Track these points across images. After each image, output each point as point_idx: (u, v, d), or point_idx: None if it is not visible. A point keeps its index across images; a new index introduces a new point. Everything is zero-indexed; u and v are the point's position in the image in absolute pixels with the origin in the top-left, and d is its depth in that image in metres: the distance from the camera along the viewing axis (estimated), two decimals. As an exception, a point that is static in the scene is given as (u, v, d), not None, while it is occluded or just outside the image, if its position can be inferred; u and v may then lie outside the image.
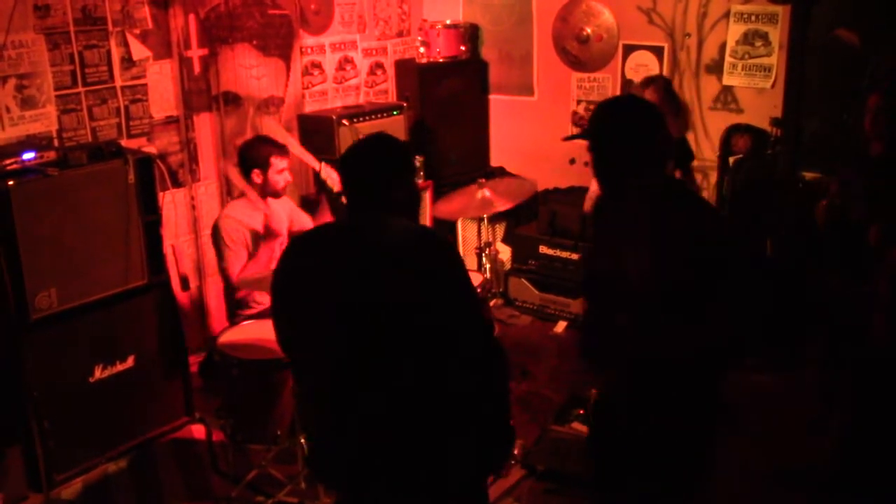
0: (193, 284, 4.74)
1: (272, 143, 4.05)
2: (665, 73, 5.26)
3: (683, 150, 4.77)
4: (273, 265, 3.90)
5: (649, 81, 4.86)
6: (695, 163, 5.12)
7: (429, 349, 2.20)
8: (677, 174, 4.61)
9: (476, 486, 2.48)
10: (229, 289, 4.02)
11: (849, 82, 4.56)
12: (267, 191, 3.99)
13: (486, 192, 4.33)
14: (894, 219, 3.43)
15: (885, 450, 3.36)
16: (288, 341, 2.41)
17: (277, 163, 3.96)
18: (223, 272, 3.98)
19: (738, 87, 5.10)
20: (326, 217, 3.98)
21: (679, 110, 4.56)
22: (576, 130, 4.27)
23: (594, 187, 4.39)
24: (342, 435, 2.30)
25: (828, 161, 4.38)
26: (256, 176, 3.96)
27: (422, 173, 5.40)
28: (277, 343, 2.44)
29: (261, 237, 3.91)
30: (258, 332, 3.59)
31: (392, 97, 5.93)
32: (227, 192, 4.85)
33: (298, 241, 2.51)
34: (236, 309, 4.05)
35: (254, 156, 3.98)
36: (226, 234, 3.92)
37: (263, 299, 3.96)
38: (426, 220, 5.32)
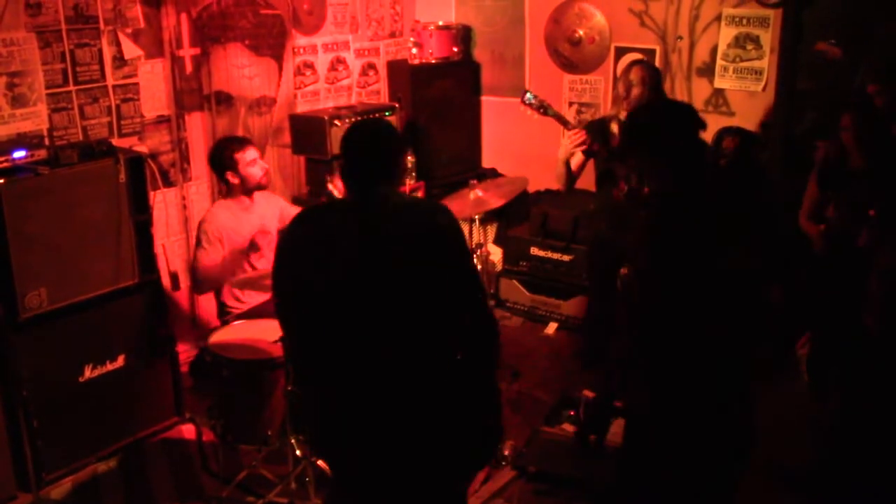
0: (184, 284, 4.73)
1: (231, 140, 4.10)
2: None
3: None
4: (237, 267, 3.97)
5: (634, 63, 4.64)
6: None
7: (430, 309, 2.38)
8: None
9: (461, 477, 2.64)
10: (195, 281, 4.06)
11: (840, 85, 4.57)
12: (248, 187, 4.01)
13: (479, 193, 4.34)
14: (883, 223, 3.47)
15: (875, 447, 3.38)
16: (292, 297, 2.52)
17: (243, 156, 3.98)
18: (192, 262, 4.05)
19: (730, 90, 5.11)
20: None
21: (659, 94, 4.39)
22: (528, 109, 4.34)
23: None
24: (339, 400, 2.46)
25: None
26: (232, 177, 3.99)
27: (413, 174, 5.39)
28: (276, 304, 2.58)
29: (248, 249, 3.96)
30: (249, 332, 3.59)
31: (384, 98, 5.93)
32: (219, 192, 4.83)
33: (313, 210, 2.71)
34: (226, 306, 4.05)
35: (219, 159, 4.01)
36: (207, 229, 3.96)
37: (249, 298, 3.98)
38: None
